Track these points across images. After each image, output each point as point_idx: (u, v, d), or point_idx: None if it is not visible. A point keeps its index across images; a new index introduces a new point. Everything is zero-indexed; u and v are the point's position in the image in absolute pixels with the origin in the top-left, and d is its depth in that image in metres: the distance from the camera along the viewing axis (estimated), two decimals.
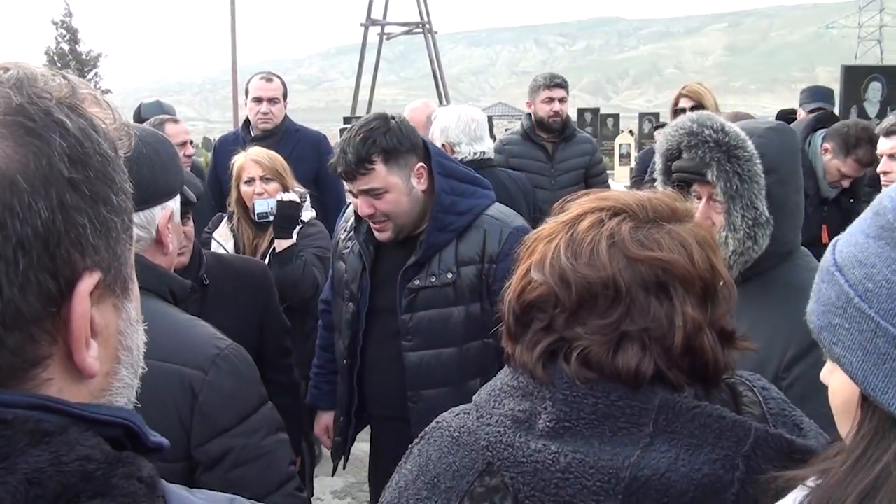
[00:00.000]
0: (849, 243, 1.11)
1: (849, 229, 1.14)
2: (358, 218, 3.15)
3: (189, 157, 5.10)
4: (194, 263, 2.95)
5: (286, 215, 3.98)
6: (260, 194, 4.06)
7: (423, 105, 5.86)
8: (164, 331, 1.94)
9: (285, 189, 4.08)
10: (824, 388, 1.85)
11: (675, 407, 1.25)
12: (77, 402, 0.85)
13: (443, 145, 4.38)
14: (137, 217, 2.00)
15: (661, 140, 2.47)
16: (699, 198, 2.37)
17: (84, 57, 48.02)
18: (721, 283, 1.36)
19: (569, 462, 1.23)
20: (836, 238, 1.16)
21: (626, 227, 1.32)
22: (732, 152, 2.24)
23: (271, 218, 4.00)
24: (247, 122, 5.80)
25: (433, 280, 2.99)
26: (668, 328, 1.28)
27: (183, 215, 2.85)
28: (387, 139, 2.87)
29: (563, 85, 5.98)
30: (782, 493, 1.16)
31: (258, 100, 5.63)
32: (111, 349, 0.90)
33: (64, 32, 48.22)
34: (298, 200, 4.04)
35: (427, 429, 1.46)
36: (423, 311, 3.02)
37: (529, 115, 6.04)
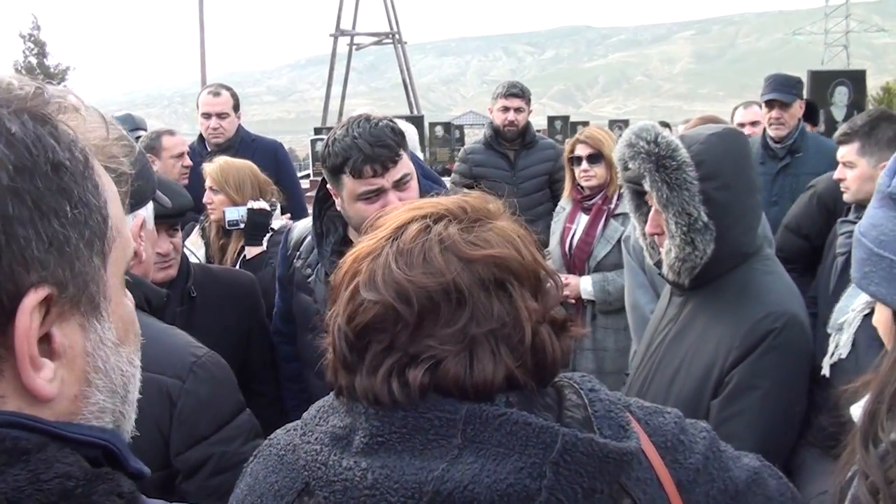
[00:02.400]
0: (865, 217, 1.58)
1: (865, 211, 1.61)
2: (319, 242, 3.01)
3: (187, 167, 5.08)
4: (182, 275, 2.97)
5: (257, 223, 4.03)
6: (209, 204, 4.15)
7: None
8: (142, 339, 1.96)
9: (234, 202, 4.12)
10: (752, 390, 2.22)
11: (482, 416, 1.21)
12: (57, 420, 0.83)
13: None
14: None
15: (614, 152, 2.56)
16: (653, 206, 2.45)
17: (52, 70, 47.63)
18: (544, 274, 1.34)
19: (375, 479, 1.20)
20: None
21: (454, 229, 1.29)
22: (661, 162, 2.31)
23: (242, 225, 4.05)
24: (202, 136, 5.77)
25: None
26: (513, 326, 1.25)
27: (171, 227, 2.86)
28: (398, 139, 2.74)
29: (519, 94, 6.01)
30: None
31: (207, 115, 5.61)
32: (78, 371, 0.86)
33: (32, 46, 47.83)
34: (269, 208, 4.09)
35: (260, 446, 1.45)
36: None
37: (492, 123, 6.11)
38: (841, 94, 9.39)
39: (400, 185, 2.73)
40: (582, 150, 4.78)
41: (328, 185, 2.87)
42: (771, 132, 5.49)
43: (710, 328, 2.39)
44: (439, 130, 30.99)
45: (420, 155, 4.98)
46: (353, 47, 47.86)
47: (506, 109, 5.96)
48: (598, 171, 4.73)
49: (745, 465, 1.47)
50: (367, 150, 2.66)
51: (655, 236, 2.49)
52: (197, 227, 4.36)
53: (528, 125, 6.09)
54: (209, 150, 5.63)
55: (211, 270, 3.42)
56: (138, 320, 2.04)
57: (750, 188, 2.44)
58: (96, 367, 0.88)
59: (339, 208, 2.86)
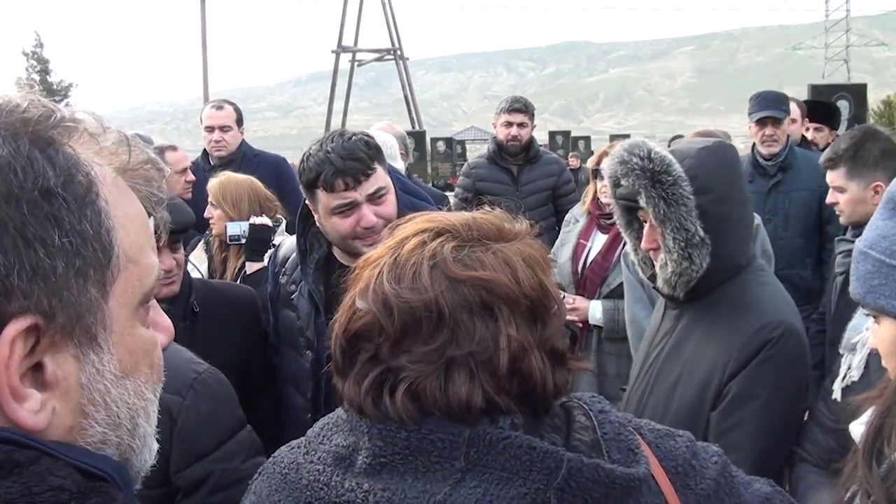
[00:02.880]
0: (870, 230, 1.53)
1: (867, 226, 1.58)
2: (303, 259, 3.00)
3: (190, 182, 5.10)
4: (184, 291, 2.98)
5: (258, 238, 4.02)
6: (210, 218, 4.17)
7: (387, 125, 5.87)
8: None
9: (230, 218, 4.13)
10: (751, 399, 2.21)
11: (485, 439, 1.19)
12: (53, 440, 0.81)
13: None
14: None
15: (605, 169, 2.54)
16: (646, 222, 2.44)
17: (55, 87, 47.79)
18: (552, 303, 1.31)
19: (377, 501, 1.18)
20: (858, 238, 1.59)
21: (448, 247, 1.27)
22: (657, 177, 2.31)
23: (243, 241, 4.05)
24: (205, 151, 5.82)
25: None
26: (493, 350, 1.22)
27: (174, 243, 2.87)
28: (375, 149, 2.76)
29: (522, 109, 5.99)
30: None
31: (210, 129, 5.68)
32: (72, 403, 0.84)
33: (35, 63, 48.01)
34: (270, 224, 4.09)
35: (265, 464, 1.44)
36: None
37: (495, 138, 6.10)
38: (842, 108, 9.40)
39: (374, 198, 2.73)
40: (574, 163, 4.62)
41: (306, 201, 2.88)
42: (763, 150, 5.42)
43: (706, 340, 2.40)
44: (441, 146, 31.07)
45: (401, 166, 4.92)
46: (355, 63, 48.00)
47: (509, 124, 5.94)
48: None
49: (757, 491, 1.44)
50: (338, 163, 2.67)
51: (651, 252, 2.49)
52: (202, 241, 4.37)
53: (531, 140, 6.07)
54: (212, 164, 5.68)
55: (212, 285, 3.44)
56: None
57: (742, 201, 2.45)
58: (93, 400, 0.85)
59: (318, 224, 2.87)
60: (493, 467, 1.18)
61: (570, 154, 23.05)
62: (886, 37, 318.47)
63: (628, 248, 2.71)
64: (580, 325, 4.47)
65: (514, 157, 6.01)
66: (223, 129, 5.65)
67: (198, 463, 1.97)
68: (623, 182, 2.41)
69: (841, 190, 3.71)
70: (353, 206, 2.72)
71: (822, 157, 3.90)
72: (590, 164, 4.71)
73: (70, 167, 0.83)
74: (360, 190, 2.71)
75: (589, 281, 4.52)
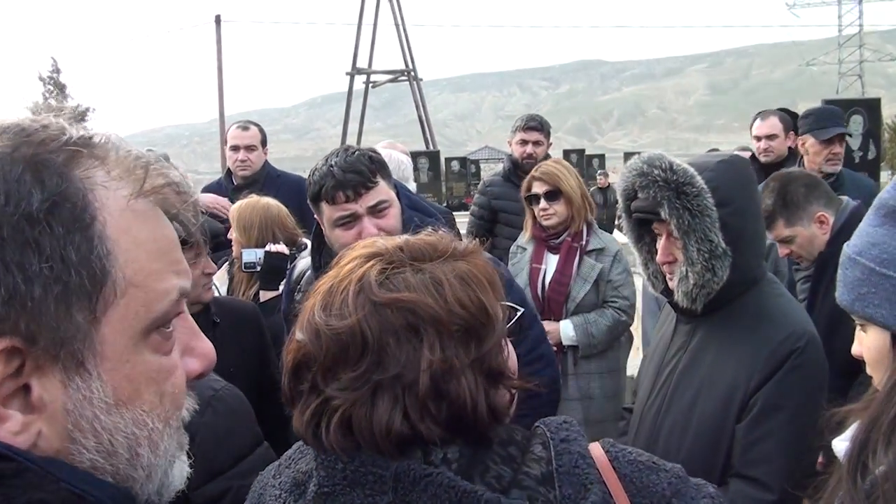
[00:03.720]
0: (859, 237, 1.52)
1: (857, 229, 1.56)
2: (317, 275, 2.94)
3: None
4: (205, 304, 3.04)
5: (273, 266, 3.96)
6: (228, 243, 4.18)
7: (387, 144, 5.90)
8: None
9: (275, 240, 4.08)
10: (778, 410, 2.21)
11: (410, 475, 1.18)
12: (44, 457, 0.81)
13: None
14: None
15: (618, 182, 2.55)
16: (660, 235, 2.45)
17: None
18: (491, 321, 1.27)
19: None
20: (846, 243, 1.59)
21: (375, 270, 1.26)
22: (681, 189, 2.31)
23: (258, 268, 4.00)
24: (229, 171, 5.88)
25: None
26: (417, 374, 1.20)
27: (200, 254, 3.01)
28: (377, 163, 2.80)
29: (538, 128, 5.97)
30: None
31: (235, 148, 5.74)
32: (58, 427, 0.83)
33: (52, 88, 48.51)
34: (286, 252, 4.01)
35: (255, 479, 1.48)
36: None
37: (510, 156, 6.09)
38: (856, 123, 9.36)
39: (375, 211, 2.77)
40: (538, 188, 4.60)
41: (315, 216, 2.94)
42: (829, 168, 5.13)
43: (725, 352, 2.39)
44: (455, 165, 31.18)
45: (413, 187, 4.94)
46: (370, 85, 48.23)
47: (524, 142, 5.92)
48: (558, 208, 4.56)
49: None
50: (339, 175, 2.72)
51: (665, 266, 2.49)
52: (227, 261, 4.34)
53: (547, 157, 5.98)
54: (235, 183, 5.73)
55: (218, 300, 3.49)
56: None
57: (756, 214, 2.47)
58: (79, 426, 0.84)
59: (325, 238, 2.93)
60: (418, 503, 1.17)
61: (599, 172, 22.93)
62: None
63: (637, 264, 2.71)
64: (554, 348, 4.35)
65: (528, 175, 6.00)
66: (248, 148, 5.73)
67: (216, 480, 1.96)
68: (641, 195, 2.41)
69: (789, 240, 3.73)
70: (354, 219, 2.76)
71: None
72: (522, 191, 4.76)
73: (62, 191, 0.82)
74: (361, 202, 2.75)
75: (552, 302, 4.53)
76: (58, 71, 49.19)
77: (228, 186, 5.76)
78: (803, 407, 2.24)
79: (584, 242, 4.56)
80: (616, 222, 4.39)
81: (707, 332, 2.48)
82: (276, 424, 3.24)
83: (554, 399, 3.16)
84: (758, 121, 5.92)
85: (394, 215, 2.81)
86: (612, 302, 4.53)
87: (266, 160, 5.89)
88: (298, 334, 1.29)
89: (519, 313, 1.45)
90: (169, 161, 6.14)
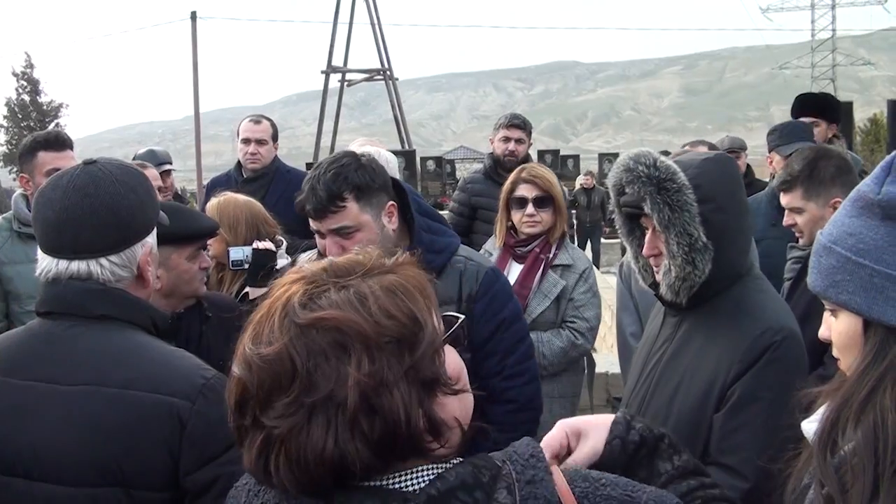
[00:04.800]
0: (834, 227, 1.57)
1: (829, 222, 1.61)
2: None
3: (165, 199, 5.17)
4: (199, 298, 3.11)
5: (261, 264, 3.95)
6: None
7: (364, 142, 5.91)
8: (152, 362, 2.04)
9: (259, 237, 4.05)
10: (754, 401, 2.29)
11: None
12: None
13: None
14: (119, 257, 2.09)
15: (609, 177, 2.63)
16: (647, 229, 2.53)
17: (45, 107, 47.80)
18: (422, 330, 1.25)
19: None
20: (819, 231, 1.64)
21: (299, 293, 1.25)
22: (662, 185, 2.40)
23: (246, 266, 3.98)
24: (239, 164, 5.91)
25: None
26: (347, 392, 1.17)
27: (203, 249, 3.06)
28: (359, 176, 2.75)
29: (521, 126, 6.03)
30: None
31: (247, 141, 5.77)
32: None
33: (25, 84, 48.03)
34: (274, 249, 4.01)
35: (232, 488, 1.47)
36: None
37: (492, 153, 6.12)
38: None
39: (340, 233, 2.77)
40: (528, 191, 4.30)
41: None
42: None
43: (708, 345, 2.47)
44: (431, 165, 31.18)
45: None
46: (345, 83, 48.13)
47: (507, 139, 5.97)
48: (546, 216, 4.30)
49: None
50: (307, 192, 2.76)
51: (651, 258, 2.57)
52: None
53: (527, 157, 6.09)
54: (244, 176, 5.77)
55: (205, 294, 3.51)
56: (148, 343, 2.10)
57: (741, 211, 2.53)
58: None
59: None
60: None
61: (585, 174, 22.90)
62: (872, 56, 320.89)
63: (629, 256, 2.78)
64: None
65: (510, 172, 5.99)
66: (259, 142, 5.76)
67: (207, 466, 2.00)
68: (628, 189, 2.49)
69: (799, 211, 3.76)
70: (322, 235, 2.82)
71: (778, 181, 3.91)
72: (503, 192, 4.48)
73: None
74: (323, 223, 2.78)
75: None
76: (31, 66, 48.67)
77: (238, 179, 5.78)
78: (779, 399, 2.29)
79: (551, 255, 4.31)
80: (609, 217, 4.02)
81: (691, 324, 2.56)
82: None
83: (534, 417, 3.16)
84: (686, 149, 5.38)
85: (361, 240, 2.74)
86: (570, 322, 4.26)
87: (276, 155, 5.91)
88: (235, 369, 1.27)
89: (459, 321, 1.41)
90: (169, 159, 6.18)
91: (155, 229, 2.25)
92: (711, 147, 4.90)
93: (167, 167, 6.55)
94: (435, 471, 1.24)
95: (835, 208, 3.62)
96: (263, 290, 3.91)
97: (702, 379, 2.43)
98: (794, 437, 2.31)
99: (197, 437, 1.99)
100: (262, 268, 3.95)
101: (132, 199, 2.12)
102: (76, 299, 2.07)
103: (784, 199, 3.82)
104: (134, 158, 6.28)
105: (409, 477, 1.23)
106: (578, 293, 4.29)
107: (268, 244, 3.99)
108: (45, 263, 2.10)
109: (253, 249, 3.95)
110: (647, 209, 2.44)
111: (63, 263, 2.07)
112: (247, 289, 3.99)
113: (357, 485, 1.21)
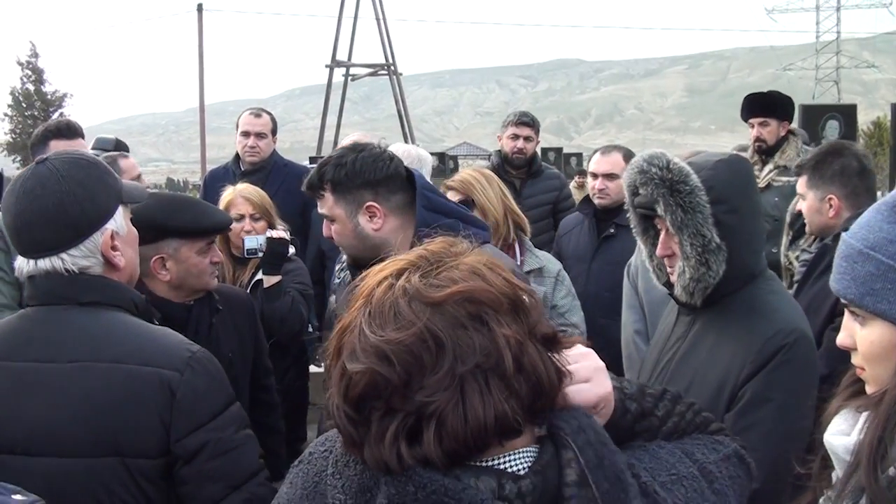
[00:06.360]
0: (871, 231, 1.52)
1: (861, 223, 1.56)
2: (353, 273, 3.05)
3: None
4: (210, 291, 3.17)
5: (276, 252, 4.07)
6: (248, 232, 4.15)
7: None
8: (140, 338, 2.17)
9: (271, 226, 4.19)
10: (765, 402, 2.31)
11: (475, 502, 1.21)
12: None
13: None
14: (79, 250, 2.16)
15: (623, 177, 2.66)
16: (661, 230, 2.57)
17: (49, 97, 47.83)
18: (526, 294, 1.33)
19: None
20: (843, 234, 1.60)
21: (416, 277, 1.29)
22: (675, 187, 2.43)
23: (260, 254, 4.08)
24: (237, 157, 5.95)
25: None
26: (497, 355, 1.23)
27: (211, 244, 3.10)
28: (335, 172, 2.81)
29: (529, 123, 6.09)
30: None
31: (246, 134, 5.81)
32: None
33: (30, 73, 48.05)
34: (287, 237, 4.13)
35: (305, 454, 1.48)
36: None
37: (499, 150, 6.17)
38: (832, 129, 9.51)
39: (326, 218, 2.90)
40: (451, 196, 4.05)
41: None
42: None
43: (720, 345, 2.49)
44: (434, 161, 31.23)
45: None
46: (349, 78, 48.11)
47: (515, 137, 6.02)
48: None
49: None
50: (308, 178, 2.90)
51: (665, 259, 2.60)
52: None
53: (535, 154, 6.15)
54: (242, 168, 5.81)
55: (218, 287, 3.57)
56: (133, 322, 2.19)
57: (754, 212, 2.56)
58: None
59: None
60: None
61: (578, 173, 22.85)
62: (876, 59, 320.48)
63: (643, 255, 2.80)
64: None
65: (517, 170, 6.05)
66: (259, 135, 5.80)
67: (195, 432, 2.11)
68: (641, 191, 2.52)
69: (803, 198, 3.92)
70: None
71: (794, 164, 4.09)
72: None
73: None
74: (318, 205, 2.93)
75: None
76: (36, 56, 48.70)
77: (236, 171, 5.82)
78: (790, 400, 2.33)
79: (518, 262, 4.05)
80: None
81: (704, 324, 2.59)
82: (267, 410, 3.41)
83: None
84: (597, 155, 5.21)
85: (335, 230, 2.86)
86: (559, 332, 4.02)
87: (275, 149, 5.95)
88: (352, 365, 1.27)
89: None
90: (127, 151, 6.09)
91: (121, 210, 2.28)
92: (627, 154, 4.91)
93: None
94: (532, 451, 1.31)
95: (829, 204, 3.70)
96: (277, 277, 4.01)
97: (713, 378, 2.46)
98: (807, 442, 2.36)
99: (186, 405, 2.11)
100: (278, 256, 4.07)
101: (79, 193, 2.17)
102: (63, 290, 2.16)
103: (798, 184, 4.01)
104: (92, 149, 6.20)
105: (515, 457, 1.29)
106: (559, 298, 4.14)
107: (281, 233, 4.10)
108: (19, 262, 2.22)
109: (267, 238, 4.04)
110: (659, 211, 2.47)
111: (32, 263, 2.17)
112: (259, 276, 4.08)
113: (470, 464, 1.26)
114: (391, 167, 2.86)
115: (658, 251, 2.59)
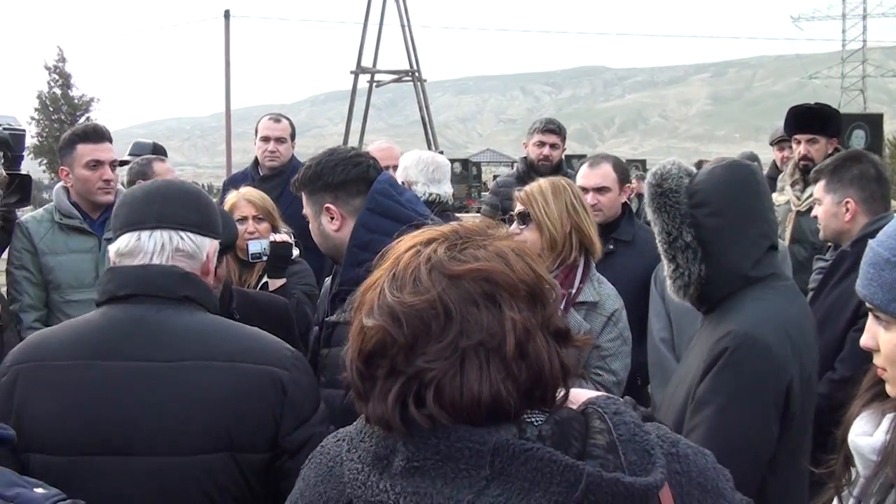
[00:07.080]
0: None
1: (889, 232, 1.63)
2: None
3: None
4: (225, 299, 3.19)
5: (280, 255, 4.11)
6: (252, 233, 4.18)
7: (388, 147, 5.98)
8: (245, 338, 2.30)
9: (275, 229, 4.22)
10: (706, 404, 2.40)
11: (509, 449, 1.23)
12: None
13: (403, 182, 4.50)
14: (197, 237, 2.31)
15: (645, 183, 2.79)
16: None
17: (76, 101, 48.19)
18: (547, 286, 1.36)
19: (407, 503, 1.25)
20: (870, 241, 1.68)
21: (442, 248, 1.34)
22: (651, 190, 2.61)
23: (265, 258, 4.12)
24: (256, 162, 6.00)
25: (345, 316, 2.73)
26: (501, 336, 1.27)
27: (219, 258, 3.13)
28: (303, 175, 2.98)
29: (556, 131, 6.08)
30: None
31: (266, 139, 5.86)
32: None
33: (57, 77, 48.41)
34: (291, 240, 4.17)
35: (315, 451, 1.55)
36: (335, 348, 2.89)
37: (525, 157, 6.17)
38: (858, 138, 9.43)
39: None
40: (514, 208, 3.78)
41: None
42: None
43: (700, 347, 2.61)
44: (457, 167, 31.26)
45: (445, 188, 5.02)
46: (373, 84, 48.25)
47: (542, 144, 6.01)
48: (528, 235, 3.61)
49: None
50: None
51: None
52: None
53: (561, 162, 6.13)
54: (262, 174, 5.86)
55: (249, 294, 3.63)
56: (234, 324, 2.37)
57: (748, 216, 2.60)
58: None
59: None
60: (516, 477, 1.22)
61: (634, 176, 22.65)
62: None
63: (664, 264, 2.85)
64: None
65: (543, 177, 6.03)
66: (279, 140, 5.84)
67: (301, 427, 2.22)
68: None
69: (819, 203, 3.93)
70: None
71: (812, 170, 4.15)
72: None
73: None
74: None
75: None
76: (63, 60, 49.00)
77: (255, 176, 5.85)
78: (732, 405, 2.38)
79: (574, 290, 3.56)
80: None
81: (705, 327, 2.70)
82: None
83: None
84: (584, 168, 4.71)
85: (310, 229, 3.05)
86: (594, 374, 3.50)
87: (293, 154, 5.99)
88: (368, 321, 1.33)
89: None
90: (165, 154, 6.18)
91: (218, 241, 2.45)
92: (617, 164, 4.67)
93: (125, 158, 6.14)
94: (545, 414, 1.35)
95: (847, 208, 3.73)
96: (282, 280, 4.05)
97: (687, 380, 2.58)
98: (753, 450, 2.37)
99: (295, 401, 2.24)
100: (282, 259, 4.12)
101: (210, 200, 2.41)
102: (161, 281, 2.22)
103: (815, 189, 4.03)
104: (130, 154, 6.23)
105: (530, 414, 1.33)
106: (606, 340, 3.55)
107: (284, 236, 4.16)
108: (124, 238, 2.26)
109: (270, 242, 4.09)
110: (649, 214, 2.64)
111: (145, 234, 2.24)
112: (265, 279, 4.12)
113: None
114: (353, 172, 2.92)
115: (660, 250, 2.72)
